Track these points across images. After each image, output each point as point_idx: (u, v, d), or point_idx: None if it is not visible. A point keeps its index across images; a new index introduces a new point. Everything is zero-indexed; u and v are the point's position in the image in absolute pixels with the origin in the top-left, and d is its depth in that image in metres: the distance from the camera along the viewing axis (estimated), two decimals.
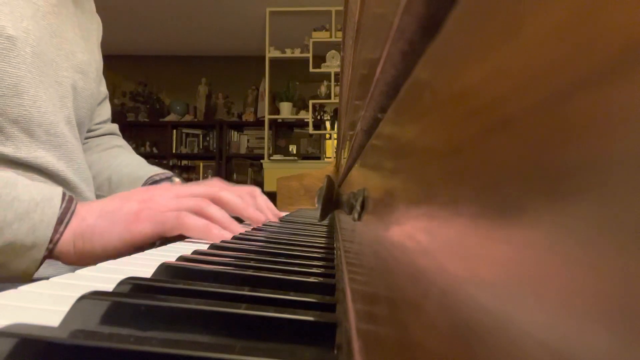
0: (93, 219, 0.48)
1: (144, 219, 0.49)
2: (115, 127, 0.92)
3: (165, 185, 0.56)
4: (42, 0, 0.63)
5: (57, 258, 0.47)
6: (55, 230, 0.45)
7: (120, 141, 0.91)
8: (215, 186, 0.59)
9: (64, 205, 0.46)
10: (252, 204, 0.73)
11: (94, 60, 0.76)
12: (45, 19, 0.63)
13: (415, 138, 0.14)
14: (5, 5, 0.57)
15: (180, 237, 0.53)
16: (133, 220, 0.49)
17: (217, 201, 0.56)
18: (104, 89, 0.84)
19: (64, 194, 0.47)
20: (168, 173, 0.81)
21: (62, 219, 0.46)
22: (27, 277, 0.45)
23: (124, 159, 0.84)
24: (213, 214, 0.53)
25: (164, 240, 0.53)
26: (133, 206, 0.50)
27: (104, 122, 0.89)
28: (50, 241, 0.45)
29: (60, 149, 0.64)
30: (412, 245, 0.12)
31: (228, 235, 0.52)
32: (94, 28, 0.80)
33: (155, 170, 0.81)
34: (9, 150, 0.57)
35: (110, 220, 0.48)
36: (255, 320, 0.21)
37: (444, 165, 0.10)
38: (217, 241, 0.50)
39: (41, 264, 0.45)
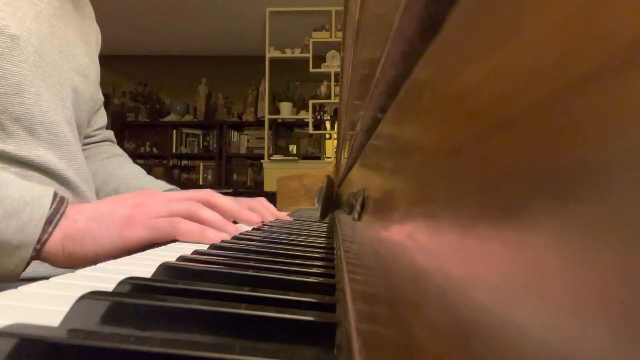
0: (84, 222, 0.47)
1: (137, 225, 0.48)
2: (111, 133, 0.93)
3: (156, 191, 0.56)
4: (44, 3, 0.63)
5: (45, 259, 0.46)
6: (44, 231, 0.45)
7: (119, 150, 0.93)
8: (207, 192, 0.58)
9: (54, 206, 0.46)
10: (246, 206, 0.75)
11: (94, 64, 0.76)
12: (47, 20, 0.63)
13: (415, 138, 0.14)
14: (8, 5, 0.57)
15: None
16: (126, 224, 0.48)
17: (210, 205, 0.56)
18: (101, 96, 0.85)
19: (55, 195, 0.47)
20: (176, 189, 0.82)
21: (52, 220, 0.45)
22: (14, 277, 0.45)
23: (129, 171, 0.85)
24: (206, 217, 0.52)
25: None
26: (125, 211, 0.49)
27: (101, 128, 0.90)
28: (38, 241, 0.44)
29: (61, 148, 0.64)
30: (412, 245, 0.12)
31: (224, 237, 0.51)
32: (93, 34, 0.81)
33: (165, 186, 0.82)
34: (10, 148, 0.57)
35: (103, 223, 0.47)
36: (255, 320, 0.21)
37: (443, 165, 0.10)
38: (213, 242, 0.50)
39: (28, 264, 0.45)
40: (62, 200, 0.47)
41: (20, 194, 0.44)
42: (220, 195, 0.59)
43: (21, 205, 0.44)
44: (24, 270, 0.45)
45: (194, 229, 0.50)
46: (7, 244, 0.43)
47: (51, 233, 0.45)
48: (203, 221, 0.52)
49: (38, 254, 0.45)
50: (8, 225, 0.43)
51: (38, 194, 0.45)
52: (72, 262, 0.46)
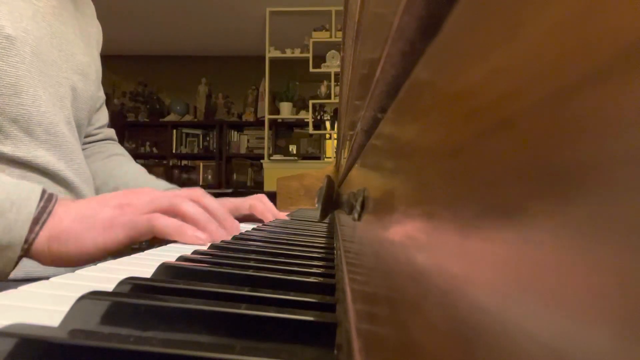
0: (69, 222, 0.46)
1: (117, 225, 0.47)
2: (112, 132, 0.93)
3: (145, 189, 0.54)
4: (42, 2, 0.63)
5: (33, 258, 0.46)
6: (31, 230, 0.44)
7: (120, 149, 0.92)
8: (197, 190, 0.56)
9: (41, 205, 0.45)
10: (247, 205, 0.75)
11: (94, 63, 0.76)
12: (45, 20, 0.63)
13: (415, 138, 0.14)
14: (4, 4, 0.57)
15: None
16: (107, 226, 0.47)
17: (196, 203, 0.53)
18: (102, 94, 0.85)
19: (43, 192, 0.46)
20: (176, 188, 0.82)
21: (39, 219, 0.44)
22: (4, 276, 0.44)
23: (129, 170, 0.85)
24: (186, 210, 0.50)
25: (153, 242, 0.51)
26: (108, 212, 0.48)
27: (103, 127, 0.90)
28: (25, 241, 0.44)
29: (60, 148, 0.64)
30: (412, 245, 0.12)
31: (203, 237, 0.49)
32: (94, 32, 0.80)
33: (165, 186, 0.82)
34: (7, 149, 0.57)
35: (86, 224, 0.46)
36: (255, 320, 0.21)
37: (443, 165, 0.10)
38: (191, 242, 0.48)
39: (17, 263, 0.44)
40: (51, 197, 0.46)
41: (6, 194, 0.43)
42: (209, 195, 0.56)
43: (7, 205, 0.43)
44: (13, 269, 0.44)
45: (171, 225, 0.48)
46: None
47: (38, 233, 0.44)
48: (184, 215, 0.50)
49: (26, 253, 0.44)
50: None
51: (25, 194, 0.44)
52: (58, 261, 0.46)
